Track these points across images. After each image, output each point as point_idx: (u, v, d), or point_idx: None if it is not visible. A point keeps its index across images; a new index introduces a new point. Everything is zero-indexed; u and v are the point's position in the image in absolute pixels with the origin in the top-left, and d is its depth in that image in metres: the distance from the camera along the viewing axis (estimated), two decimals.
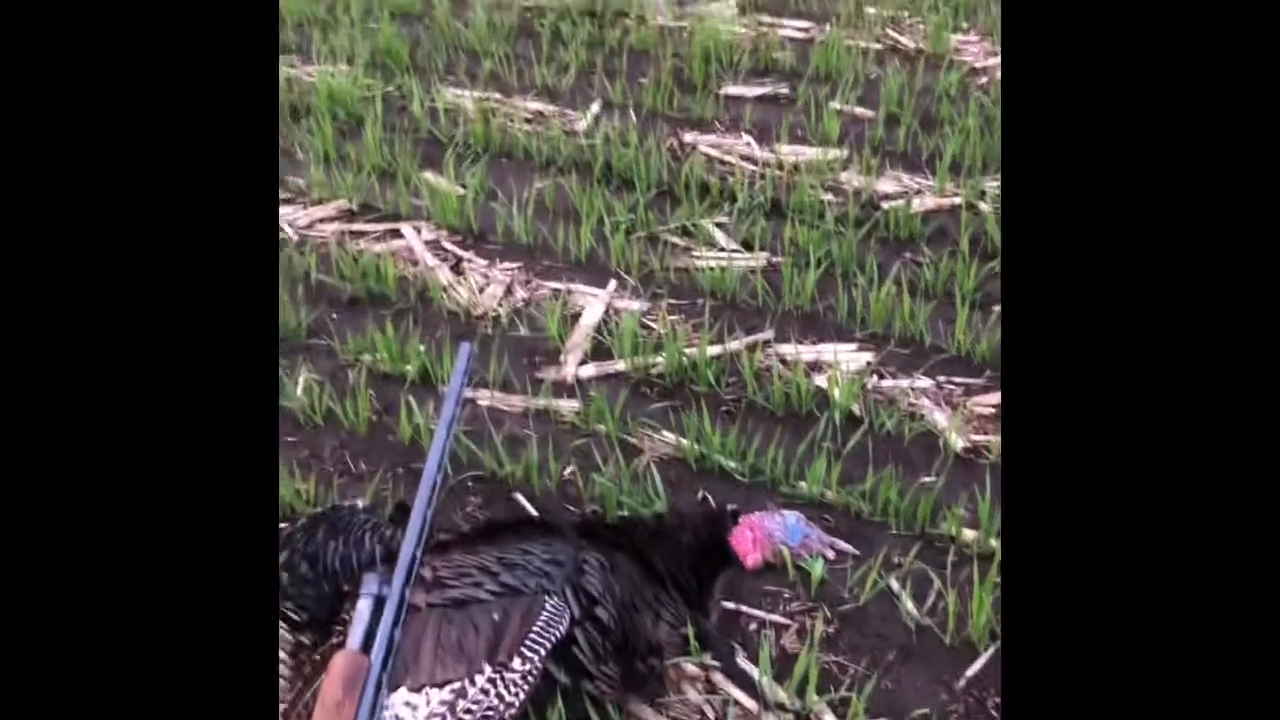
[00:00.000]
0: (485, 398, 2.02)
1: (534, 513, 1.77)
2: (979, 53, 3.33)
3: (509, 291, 2.35)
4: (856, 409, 1.99)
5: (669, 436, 1.94)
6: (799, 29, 3.50)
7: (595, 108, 3.05)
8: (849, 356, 2.13)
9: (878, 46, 3.37)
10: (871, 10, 3.57)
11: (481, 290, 2.34)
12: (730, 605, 1.62)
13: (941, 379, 2.08)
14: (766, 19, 3.55)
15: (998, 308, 2.25)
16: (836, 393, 2.00)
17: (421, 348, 2.11)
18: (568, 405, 2.01)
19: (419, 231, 2.54)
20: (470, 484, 1.83)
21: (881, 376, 2.09)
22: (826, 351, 2.13)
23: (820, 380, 2.06)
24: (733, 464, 1.87)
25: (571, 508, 1.79)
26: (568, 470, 1.85)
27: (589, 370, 2.11)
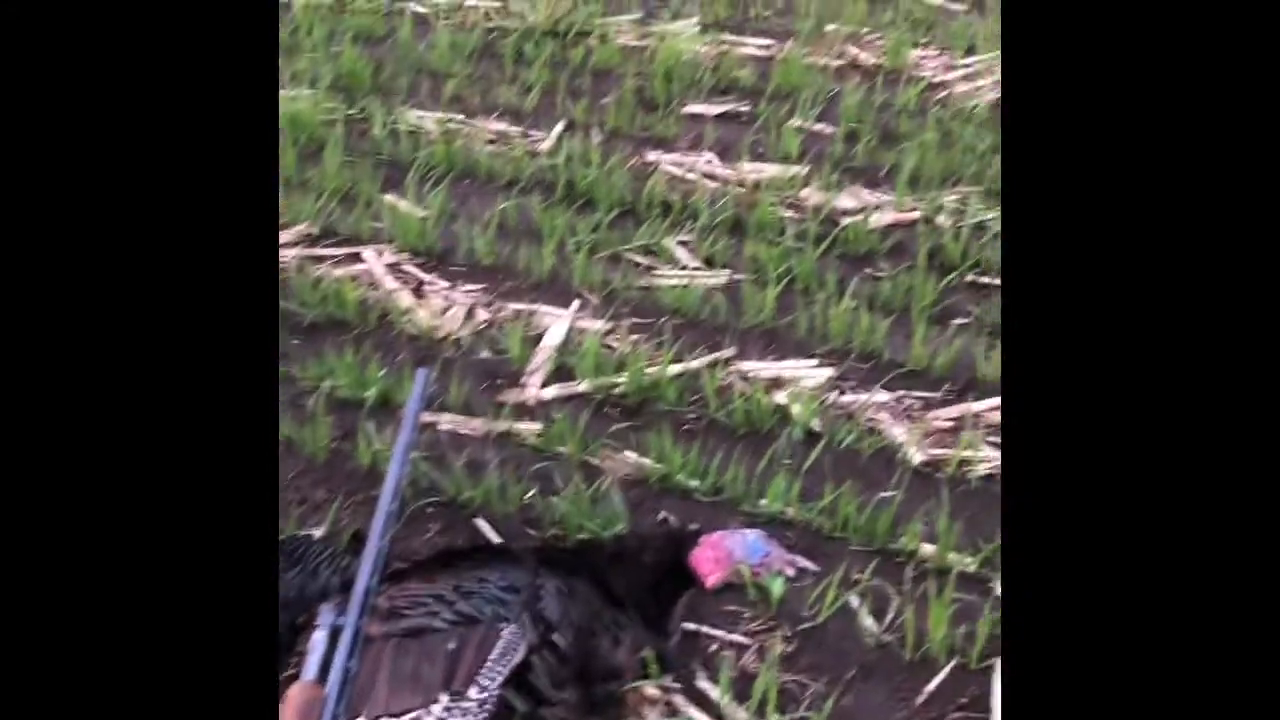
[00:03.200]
0: (446, 422, 2.02)
1: (495, 538, 1.77)
2: (937, 67, 3.36)
3: (471, 313, 2.35)
4: (817, 425, 2.00)
5: (631, 457, 1.94)
6: (759, 47, 3.53)
7: (559, 127, 3.06)
8: (809, 372, 2.14)
9: (837, 63, 3.40)
10: (831, 27, 3.60)
11: (443, 313, 2.34)
12: (691, 626, 1.62)
13: (900, 393, 2.09)
14: (728, 37, 3.57)
15: (956, 321, 2.28)
16: (797, 409, 2.01)
17: (381, 372, 2.11)
18: (529, 428, 2.01)
19: (380, 254, 2.53)
20: (429, 510, 1.83)
21: (841, 392, 2.10)
22: (787, 368, 2.14)
23: (781, 397, 2.07)
24: (694, 483, 1.87)
25: (532, 531, 1.79)
26: (528, 494, 1.85)
27: (551, 391, 2.11)
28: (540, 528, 1.79)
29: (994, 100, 3.12)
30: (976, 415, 2.02)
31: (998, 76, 3.25)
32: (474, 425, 2.02)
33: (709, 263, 2.49)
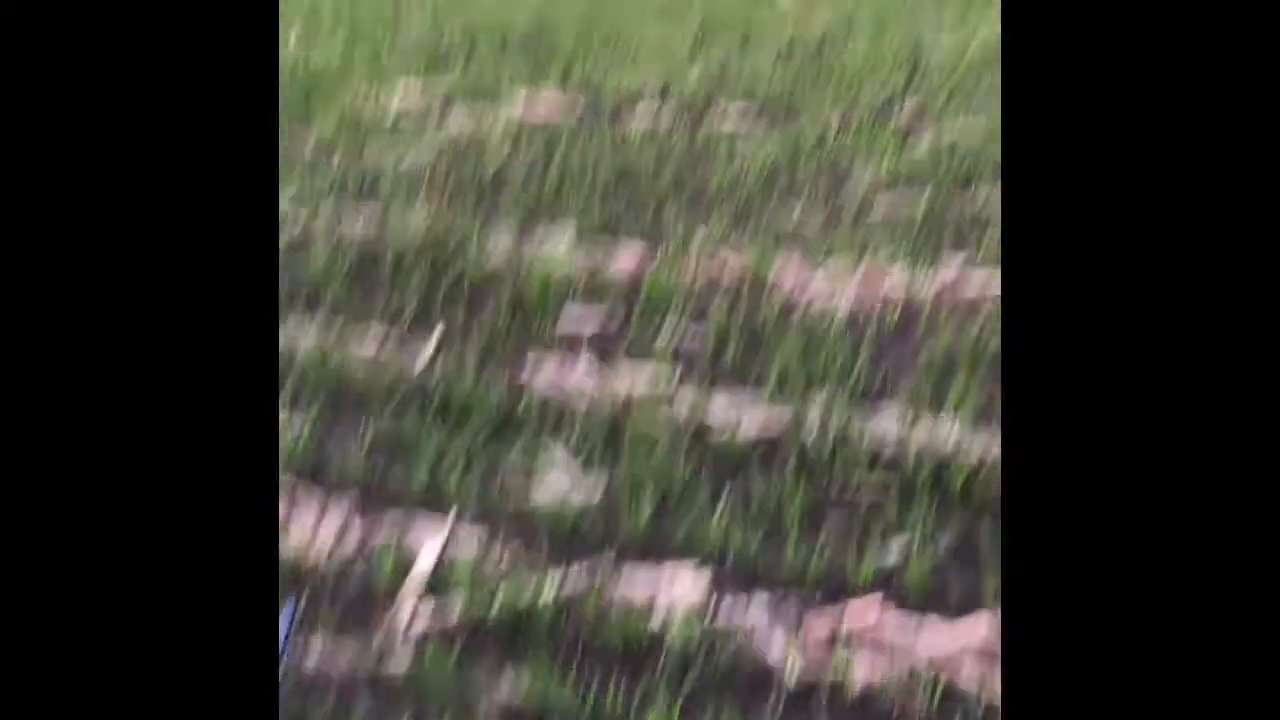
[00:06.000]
0: (314, 655, 1.94)
1: None
2: (799, 275, 3.55)
3: (342, 535, 2.30)
4: (694, 643, 1.99)
5: (507, 686, 1.89)
6: (629, 257, 3.67)
7: (434, 341, 3.09)
8: (686, 587, 2.14)
9: (704, 273, 3.55)
10: (698, 237, 3.78)
11: (313, 535, 2.28)
12: None
13: (777, 602, 2.10)
14: (600, 249, 3.71)
15: (827, 526, 2.33)
16: (674, 628, 2.00)
17: None
18: (401, 659, 1.94)
19: None
20: None
21: (718, 604, 2.10)
22: (664, 582, 2.14)
23: (658, 614, 2.05)
24: (572, 712, 1.82)
25: None
26: None
27: (423, 623, 2.06)
28: None
29: (849, 307, 3.30)
30: (850, 623, 2.03)
31: (858, 281, 3.45)
32: (342, 663, 1.94)
33: (585, 474, 2.51)
